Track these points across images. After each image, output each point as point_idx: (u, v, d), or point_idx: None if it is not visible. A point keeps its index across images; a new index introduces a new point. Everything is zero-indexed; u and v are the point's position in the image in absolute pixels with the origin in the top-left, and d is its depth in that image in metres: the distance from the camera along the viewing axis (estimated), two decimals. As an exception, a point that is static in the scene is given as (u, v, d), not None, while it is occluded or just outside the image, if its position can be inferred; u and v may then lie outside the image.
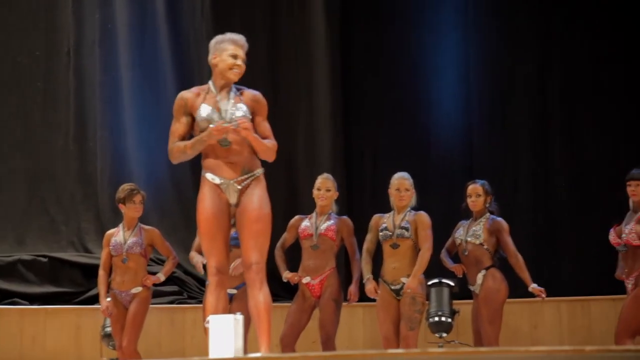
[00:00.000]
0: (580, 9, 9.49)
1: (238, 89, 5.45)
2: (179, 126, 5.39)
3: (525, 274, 7.21)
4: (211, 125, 5.26)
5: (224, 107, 5.35)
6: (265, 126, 5.42)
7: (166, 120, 9.43)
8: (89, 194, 9.55)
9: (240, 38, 5.47)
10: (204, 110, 5.34)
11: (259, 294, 5.22)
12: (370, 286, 7.19)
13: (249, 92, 5.46)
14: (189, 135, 5.40)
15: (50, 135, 9.63)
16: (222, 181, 5.30)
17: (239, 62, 5.41)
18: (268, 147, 5.37)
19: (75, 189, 9.56)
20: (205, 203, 5.31)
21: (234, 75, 5.41)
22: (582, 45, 9.48)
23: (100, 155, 9.55)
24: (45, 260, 9.38)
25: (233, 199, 5.31)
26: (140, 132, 9.57)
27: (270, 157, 5.43)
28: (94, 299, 9.00)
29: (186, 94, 5.43)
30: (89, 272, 9.27)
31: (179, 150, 5.36)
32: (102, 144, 9.55)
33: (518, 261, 7.22)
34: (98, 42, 9.61)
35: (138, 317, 7.39)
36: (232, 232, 5.46)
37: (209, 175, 5.33)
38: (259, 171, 5.36)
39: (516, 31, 9.60)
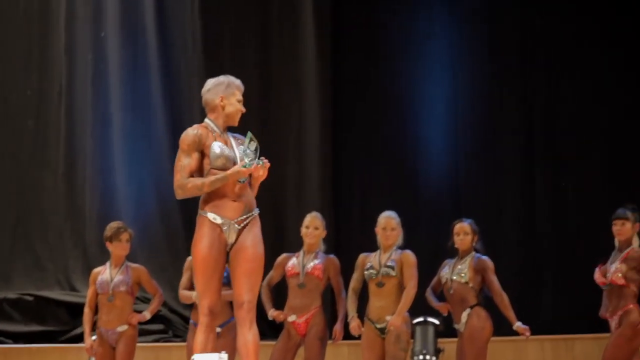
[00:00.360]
0: (566, 46, 9.59)
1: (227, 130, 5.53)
2: (190, 161, 5.34)
3: (510, 313, 7.24)
4: (240, 164, 5.30)
5: (234, 145, 5.42)
6: None
7: (156, 159, 9.56)
8: (76, 232, 9.57)
9: (241, 84, 5.56)
10: (217, 147, 5.35)
11: (249, 334, 5.24)
12: (354, 324, 7.21)
13: (238, 136, 5.53)
14: (197, 171, 5.39)
15: (40, 172, 9.66)
16: (223, 221, 5.32)
17: (243, 109, 5.52)
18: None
19: (63, 226, 9.58)
20: (204, 243, 5.31)
21: (237, 119, 5.51)
22: (568, 82, 9.57)
23: (89, 193, 9.58)
24: (31, 299, 9.37)
25: (232, 239, 5.33)
26: (130, 170, 9.60)
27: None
28: (80, 338, 8.96)
29: (198, 130, 5.42)
30: (75, 311, 9.26)
31: (195, 187, 5.31)
32: (91, 182, 9.59)
33: (503, 300, 7.25)
34: (90, 81, 9.68)
35: (127, 357, 7.39)
36: None
37: (210, 215, 5.33)
38: (257, 211, 5.41)
39: (503, 64, 9.69)
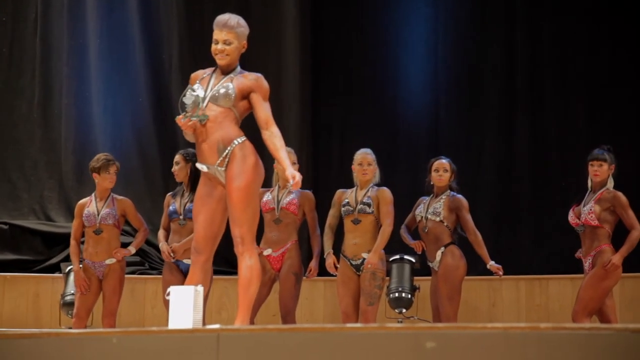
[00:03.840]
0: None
1: (241, 72, 5.37)
2: None
3: (483, 251, 7.29)
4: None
5: (211, 85, 5.28)
6: (259, 104, 5.32)
7: (133, 89, 9.45)
8: (52, 162, 9.52)
9: (220, 18, 5.35)
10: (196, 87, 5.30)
11: (240, 268, 5.22)
12: (329, 261, 7.23)
13: (247, 74, 5.37)
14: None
15: (14, 101, 9.57)
16: (209, 168, 5.27)
17: (219, 46, 5.31)
18: (269, 143, 5.27)
19: (39, 156, 9.53)
20: (198, 189, 5.36)
21: (219, 60, 5.31)
22: (550, 22, 9.52)
23: (65, 122, 9.50)
24: (5, 227, 9.34)
25: (224, 180, 5.27)
26: (106, 100, 9.53)
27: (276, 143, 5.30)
28: (55, 268, 8.98)
29: None
30: (50, 241, 9.26)
31: None
32: (67, 111, 9.51)
33: (477, 238, 7.29)
34: (66, 8, 9.54)
35: (117, 290, 7.41)
36: None
37: (198, 165, 5.32)
38: (235, 142, 5.22)
39: (485, 8, 9.62)
